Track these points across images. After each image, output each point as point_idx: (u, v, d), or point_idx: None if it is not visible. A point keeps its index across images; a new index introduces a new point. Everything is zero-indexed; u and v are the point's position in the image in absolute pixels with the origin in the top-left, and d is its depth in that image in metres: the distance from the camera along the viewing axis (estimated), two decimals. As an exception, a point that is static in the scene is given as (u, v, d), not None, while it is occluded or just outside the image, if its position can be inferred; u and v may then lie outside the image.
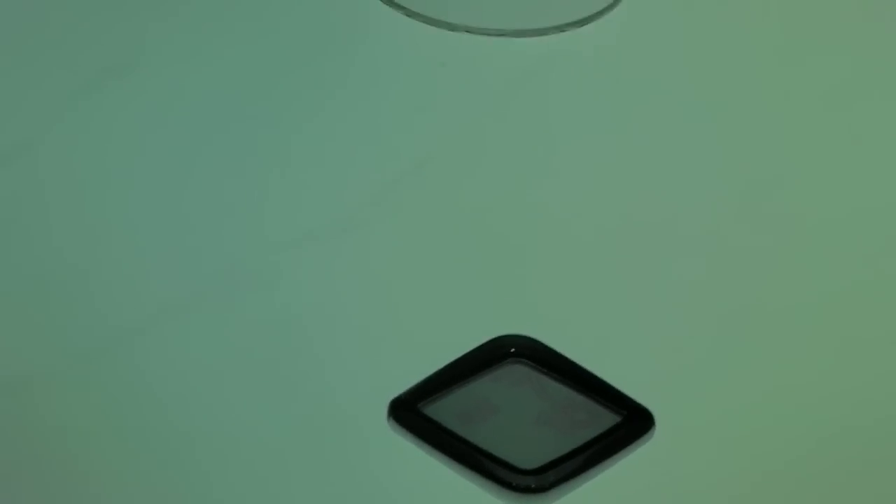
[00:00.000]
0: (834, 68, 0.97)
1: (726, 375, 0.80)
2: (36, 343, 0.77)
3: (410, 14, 0.95)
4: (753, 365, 0.81)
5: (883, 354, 0.82)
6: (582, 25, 0.93)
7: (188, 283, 0.80)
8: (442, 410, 0.74)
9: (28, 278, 0.81)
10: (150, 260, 0.80)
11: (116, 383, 0.74)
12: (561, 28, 0.94)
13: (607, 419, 0.73)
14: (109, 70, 0.93)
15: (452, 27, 0.93)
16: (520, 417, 0.74)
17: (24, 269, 0.81)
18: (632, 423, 0.74)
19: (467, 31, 0.93)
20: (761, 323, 0.84)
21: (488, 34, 0.93)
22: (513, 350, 0.76)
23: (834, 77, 0.97)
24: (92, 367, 0.75)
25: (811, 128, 0.92)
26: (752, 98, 0.94)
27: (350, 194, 0.84)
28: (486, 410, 0.74)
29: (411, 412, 0.73)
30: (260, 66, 0.93)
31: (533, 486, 0.71)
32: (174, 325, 0.78)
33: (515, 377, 0.75)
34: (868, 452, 0.77)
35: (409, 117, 0.89)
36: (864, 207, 0.87)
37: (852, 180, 0.88)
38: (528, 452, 0.72)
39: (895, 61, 0.96)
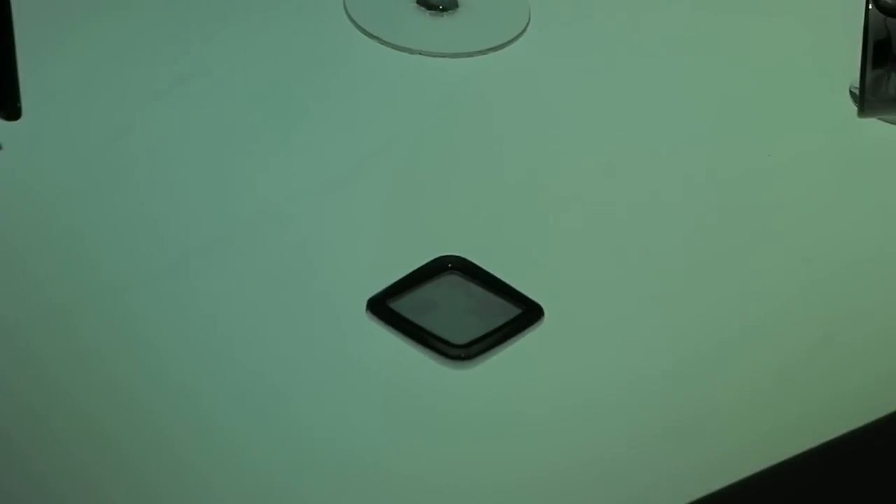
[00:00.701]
0: (727, 76, 1.15)
1: (603, 284, 0.96)
2: (124, 258, 0.93)
3: (379, 41, 1.12)
4: (625, 279, 0.96)
5: (730, 275, 0.96)
6: (500, 49, 1.12)
7: (229, 221, 0.98)
8: (403, 305, 0.89)
9: (122, 215, 0.98)
10: (201, 202, 0.98)
11: (179, 295, 0.91)
12: (483, 52, 1.11)
13: (512, 311, 0.89)
14: (179, 76, 1.11)
15: (409, 51, 1.10)
16: (454, 310, 0.89)
17: (119, 209, 0.99)
18: (529, 314, 0.89)
19: (420, 54, 1.09)
20: (635, 246, 0.99)
21: (432, 55, 1.10)
22: (449, 265, 0.91)
23: (729, 82, 1.15)
24: (163, 281, 0.92)
25: (708, 129, 1.10)
26: (651, 102, 1.12)
27: (335, 164, 1.03)
28: (431, 305, 0.89)
29: (382, 306, 0.88)
30: (269, 78, 1.10)
31: (462, 355, 0.86)
32: (218, 252, 0.95)
33: (451, 283, 0.91)
34: (722, 349, 0.92)
35: (377, 113, 1.06)
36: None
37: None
38: (460, 333, 0.86)
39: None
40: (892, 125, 1.12)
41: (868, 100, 1.07)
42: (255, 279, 0.93)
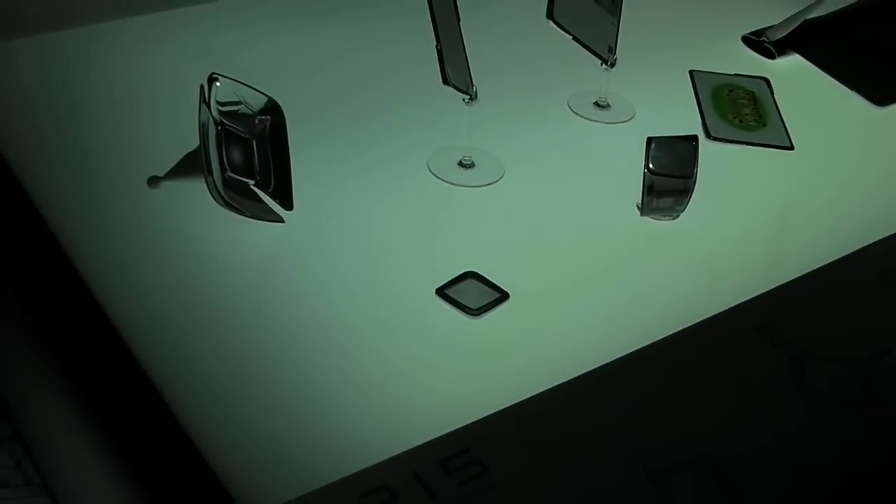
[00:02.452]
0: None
1: (556, 271, 1.33)
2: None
3: (442, 180, 1.54)
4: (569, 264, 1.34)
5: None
6: (494, 183, 1.55)
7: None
8: (452, 291, 1.28)
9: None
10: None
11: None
12: (485, 185, 1.56)
13: (493, 293, 1.28)
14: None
15: (453, 184, 1.54)
16: (472, 293, 1.29)
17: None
18: (504, 297, 1.28)
19: (459, 185, 1.52)
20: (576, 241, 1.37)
21: (464, 186, 1.53)
22: (470, 275, 1.30)
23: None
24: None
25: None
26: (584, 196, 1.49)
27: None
28: (460, 292, 1.28)
29: (442, 292, 1.28)
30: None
31: (476, 314, 1.25)
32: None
33: (470, 283, 1.30)
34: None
35: (439, 208, 1.47)
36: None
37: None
38: (474, 302, 1.27)
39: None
40: (662, 221, 1.45)
41: (646, 208, 1.42)
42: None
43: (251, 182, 1.35)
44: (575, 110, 1.65)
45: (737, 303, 1.31)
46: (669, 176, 1.40)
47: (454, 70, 1.42)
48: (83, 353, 1.30)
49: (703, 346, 1.25)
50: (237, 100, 1.34)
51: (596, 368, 1.19)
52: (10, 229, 1.46)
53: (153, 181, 1.42)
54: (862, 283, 1.39)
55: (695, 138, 1.43)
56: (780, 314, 1.31)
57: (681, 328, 1.25)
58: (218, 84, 1.31)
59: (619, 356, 1.21)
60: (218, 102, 1.32)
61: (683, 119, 1.65)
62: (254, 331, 1.22)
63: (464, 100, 1.44)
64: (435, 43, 1.42)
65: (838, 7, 1.95)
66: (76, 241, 1.34)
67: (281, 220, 1.37)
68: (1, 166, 1.44)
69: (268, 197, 1.37)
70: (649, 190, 1.40)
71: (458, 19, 1.37)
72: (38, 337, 1.36)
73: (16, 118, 1.54)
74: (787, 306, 1.33)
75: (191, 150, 1.38)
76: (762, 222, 1.47)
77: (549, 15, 1.64)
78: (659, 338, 1.24)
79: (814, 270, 1.38)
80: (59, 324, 1.36)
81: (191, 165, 1.37)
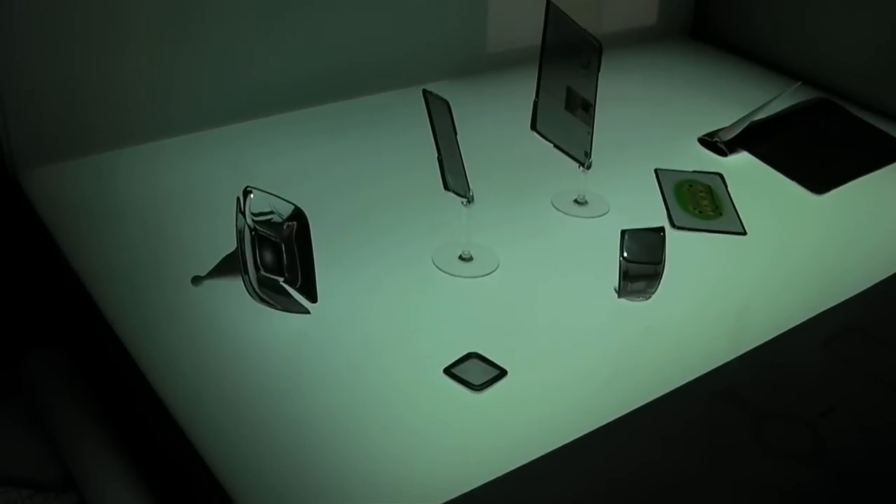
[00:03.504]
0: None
1: (546, 357, 1.34)
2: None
3: (444, 271, 1.55)
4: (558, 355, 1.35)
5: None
6: (489, 274, 1.57)
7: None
8: (458, 370, 1.29)
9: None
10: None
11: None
12: (482, 275, 1.57)
13: (494, 370, 1.30)
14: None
15: (454, 275, 1.55)
16: (476, 371, 1.30)
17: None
18: (503, 374, 1.29)
19: (460, 277, 1.56)
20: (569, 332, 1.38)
21: (464, 277, 1.57)
22: (474, 355, 1.31)
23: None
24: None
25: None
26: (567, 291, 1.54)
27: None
28: (465, 370, 1.29)
29: (449, 371, 1.30)
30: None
31: (479, 389, 1.28)
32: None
33: (474, 362, 1.31)
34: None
35: (441, 295, 1.50)
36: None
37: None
38: (477, 379, 1.28)
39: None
40: (637, 302, 1.46)
41: (623, 291, 1.44)
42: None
43: (281, 279, 1.40)
44: (558, 207, 1.69)
45: (703, 371, 1.36)
46: (642, 263, 1.44)
47: (453, 177, 1.48)
48: (140, 431, 1.38)
49: (677, 412, 1.29)
50: (268, 208, 1.40)
51: (583, 436, 1.22)
52: (75, 323, 1.54)
53: (196, 280, 1.46)
54: (809, 349, 1.44)
55: (662, 229, 1.48)
56: (740, 381, 1.36)
57: (656, 395, 1.28)
58: (252, 196, 1.37)
59: (602, 423, 1.24)
60: (252, 212, 1.37)
61: (651, 211, 1.70)
62: (285, 410, 1.25)
63: (462, 203, 1.49)
64: (436, 154, 1.48)
65: (780, 109, 2.02)
66: (132, 333, 1.38)
67: (307, 312, 1.42)
68: (68, 271, 1.49)
69: (296, 292, 1.42)
70: (625, 276, 1.44)
71: (456, 132, 1.41)
72: (102, 418, 1.46)
73: (81, 228, 1.59)
74: (747, 374, 1.38)
75: (228, 252, 1.43)
76: (722, 299, 1.52)
77: (533, 126, 1.70)
78: (636, 404, 1.27)
79: (767, 341, 1.43)
80: (119, 405, 1.45)
81: (229, 266, 1.42)
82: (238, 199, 1.36)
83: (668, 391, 1.29)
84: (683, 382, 1.31)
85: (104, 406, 1.53)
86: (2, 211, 1.66)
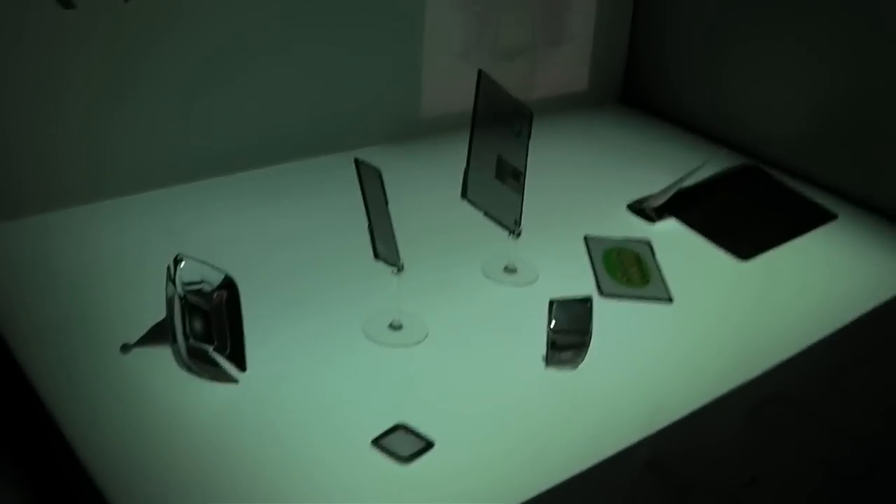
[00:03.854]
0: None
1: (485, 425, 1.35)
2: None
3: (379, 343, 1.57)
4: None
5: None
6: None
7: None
8: (386, 442, 1.32)
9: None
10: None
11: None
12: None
13: (421, 441, 1.30)
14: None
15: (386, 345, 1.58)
16: (405, 443, 1.31)
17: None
18: (429, 446, 1.30)
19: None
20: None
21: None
22: (401, 427, 1.33)
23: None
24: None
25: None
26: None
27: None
28: (393, 438, 1.32)
29: (377, 442, 1.34)
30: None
31: (404, 458, 1.31)
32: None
33: (402, 432, 1.33)
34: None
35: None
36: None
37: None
38: (405, 450, 1.30)
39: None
40: (564, 370, 1.47)
41: (551, 360, 1.47)
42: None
43: (210, 348, 1.39)
44: (487, 275, 1.69)
45: (628, 439, 1.37)
46: (569, 332, 1.46)
47: (383, 245, 1.48)
48: (62, 496, 1.35)
49: (603, 485, 1.30)
50: (199, 276, 1.39)
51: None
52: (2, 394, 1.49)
53: (125, 348, 1.45)
54: (734, 418, 1.45)
55: (589, 299, 1.50)
56: (666, 452, 1.36)
57: (583, 467, 1.29)
58: (182, 264, 1.37)
59: (530, 496, 1.24)
60: (182, 280, 1.37)
61: (580, 278, 1.71)
62: (211, 483, 1.24)
63: (392, 271, 1.49)
64: (367, 222, 1.48)
65: (706, 177, 2.05)
66: (57, 399, 1.36)
67: (235, 381, 1.41)
68: None
69: (224, 360, 1.41)
70: (553, 345, 1.47)
71: (387, 201, 1.42)
72: (23, 481, 1.42)
73: (8, 290, 1.58)
74: (672, 444, 1.38)
75: (158, 321, 1.42)
76: (648, 367, 1.52)
77: (464, 195, 1.71)
78: (564, 476, 1.28)
79: (694, 410, 1.43)
80: (42, 472, 1.41)
81: (158, 334, 1.42)
82: (168, 267, 1.36)
83: (594, 463, 1.31)
84: (610, 454, 1.32)
85: (24, 472, 1.50)
86: None
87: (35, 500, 1.44)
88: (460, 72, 2.08)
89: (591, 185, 2.07)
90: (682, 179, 1.98)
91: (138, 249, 1.69)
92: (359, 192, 1.45)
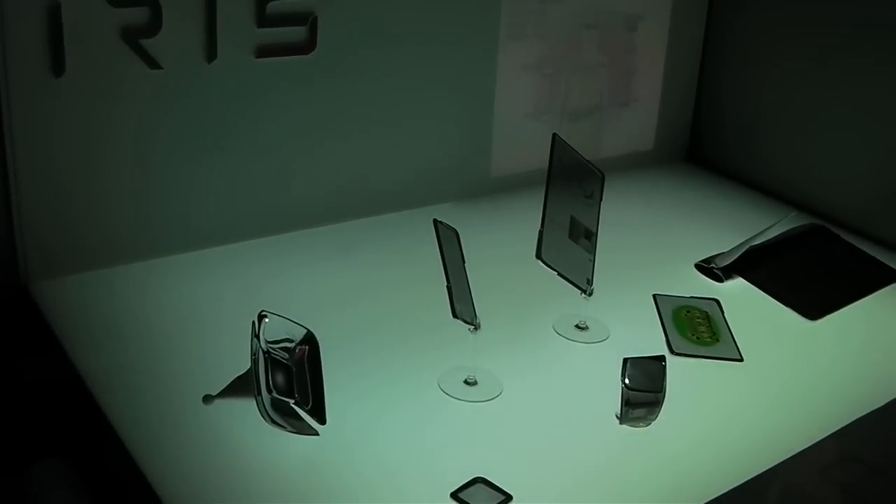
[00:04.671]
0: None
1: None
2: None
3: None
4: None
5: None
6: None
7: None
8: (465, 495, 1.31)
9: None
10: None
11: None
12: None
13: (500, 495, 1.30)
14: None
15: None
16: (480, 497, 1.31)
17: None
18: (508, 499, 1.30)
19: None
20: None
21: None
22: (479, 480, 1.31)
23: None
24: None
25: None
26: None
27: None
28: (472, 492, 1.32)
29: (456, 496, 1.30)
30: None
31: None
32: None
33: (479, 488, 1.33)
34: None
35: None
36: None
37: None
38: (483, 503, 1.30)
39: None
40: (637, 428, 1.47)
41: (624, 417, 1.48)
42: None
43: (292, 401, 1.40)
44: (560, 332, 1.70)
45: (702, 499, 1.37)
46: (643, 391, 1.47)
47: (461, 304, 1.50)
48: None
49: None
50: (281, 331, 1.41)
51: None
52: (83, 436, 1.53)
53: (208, 399, 1.46)
54: (806, 479, 1.46)
55: (663, 358, 1.51)
56: (739, 511, 1.34)
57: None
58: (266, 320, 1.39)
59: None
60: (266, 334, 1.39)
61: (650, 336, 1.72)
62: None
63: (469, 329, 1.50)
64: (445, 281, 1.50)
65: (774, 236, 2.05)
66: (140, 449, 1.38)
67: (316, 434, 1.42)
68: (78, 382, 1.50)
69: (305, 414, 1.43)
70: (626, 403, 1.47)
71: (464, 260, 1.44)
72: None
73: (91, 340, 1.60)
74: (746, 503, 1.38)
75: (240, 373, 1.43)
76: (719, 426, 1.52)
77: (538, 255, 1.72)
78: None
79: (766, 470, 1.43)
80: None
81: (241, 387, 1.43)
82: (253, 322, 1.38)
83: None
84: (681, 510, 1.31)
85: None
86: (13, 321, 1.66)
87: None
88: (530, 132, 2.15)
89: (659, 244, 2.07)
90: (750, 240, 1.98)
91: (214, 302, 1.70)
92: (434, 247, 1.47)
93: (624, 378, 1.47)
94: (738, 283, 1.94)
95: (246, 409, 1.39)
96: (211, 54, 1.76)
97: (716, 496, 1.38)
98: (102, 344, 1.58)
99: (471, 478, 1.35)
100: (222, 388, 1.46)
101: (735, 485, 1.40)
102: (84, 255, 1.76)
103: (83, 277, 1.72)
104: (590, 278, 1.65)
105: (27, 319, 1.69)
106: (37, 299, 1.70)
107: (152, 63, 1.72)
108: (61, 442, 1.65)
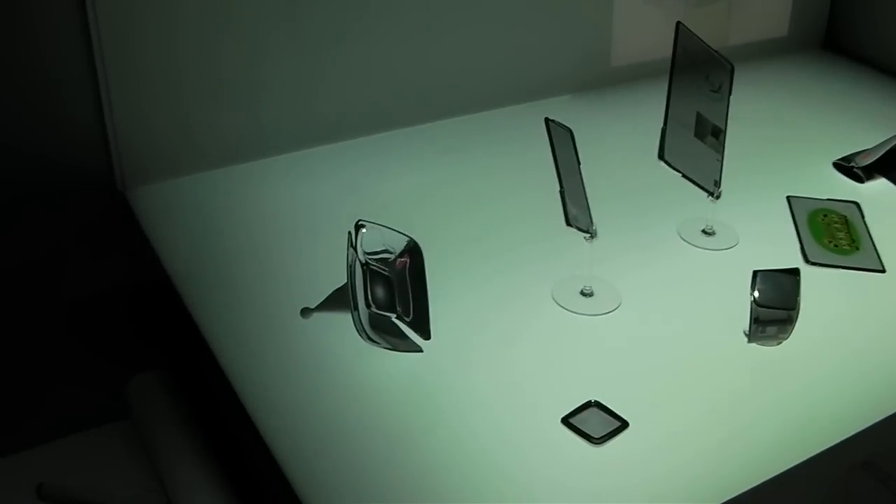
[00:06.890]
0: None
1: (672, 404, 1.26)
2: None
3: (564, 308, 1.48)
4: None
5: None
6: (610, 312, 1.46)
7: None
8: (576, 421, 1.25)
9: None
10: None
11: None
12: (604, 313, 1.45)
13: (615, 421, 1.22)
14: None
15: (576, 313, 1.47)
16: (594, 421, 1.23)
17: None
18: (624, 426, 1.22)
19: (580, 314, 1.46)
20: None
21: (584, 315, 1.46)
22: (593, 402, 1.24)
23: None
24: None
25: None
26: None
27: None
28: (584, 420, 1.23)
29: (566, 421, 1.24)
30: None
31: (598, 442, 1.21)
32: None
33: (593, 412, 1.24)
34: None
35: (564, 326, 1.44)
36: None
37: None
38: (597, 431, 1.21)
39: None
40: (769, 346, 1.37)
41: (753, 336, 1.35)
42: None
43: (393, 315, 1.33)
44: (684, 237, 1.61)
45: (839, 431, 1.25)
46: (774, 308, 1.35)
47: (576, 210, 1.40)
48: (242, 464, 1.36)
49: (810, 486, 1.21)
50: (381, 241, 1.34)
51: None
52: (180, 348, 1.51)
53: (306, 312, 1.41)
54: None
55: (797, 271, 1.37)
56: (883, 450, 1.25)
57: (787, 465, 1.19)
58: (364, 230, 1.31)
59: (731, 496, 1.15)
60: (364, 245, 1.31)
61: (783, 243, 1.61)
62: (390, 455, 1.20)
63: (584, 237, 1.41)
64: (558, 186, 1.40)
65: (922, 133, 1.87)
66: (235, 362, 1.34)
67: (419, 350, 1.35)
68: (174, 293, 1.47)
69: (407, 327, 1.35)
70: (756, 320, 1.35)
71: (579, 162, 1.33)
72: (205, 446, 1.43)
73: (187, 247, 1.57)
74: (891, 440, 1.26)
75: (339, 286, 1.37)
76: (860, 347, 1.40)
77: (661, 156, 1.61)
78: (765, 469, 1.19)
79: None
80: (221, 434, 1.43)
81: (339, 300, 1.36)
82: (349, 233, 1.31)
83: (801, 460, 1.20)
84: (817, 451, 1.21)
85: (207, 433, 1.49)
86: (111, 228, 1.66)
87: (212, 466, 1.44)
88: (652, 18, 2.02)
89: (794, 140, 1.94)
90: (894, 137, 1.84)
91: (319, 205, 1.67)
92: (547, 146, 1.37)
93: (753, 293, 1.35)
94: (881, 184, 1.81)
95: (343, 324, 1.33)
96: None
97: (856, 431, 1.26)
98: (199, 251, 1.56)
99: (584, 401, 1.27)
100: (321, 300, 1.40)
101: (879, 418, 1.28)
102: (183, 160, 1.73)
103: (182, 182, 1.71)
104: (717, 179, 1.54)
105: (125, 227, 1.67)
106: (134, 206, 1.68)
107: None
108: (160, 356, 1.66)
